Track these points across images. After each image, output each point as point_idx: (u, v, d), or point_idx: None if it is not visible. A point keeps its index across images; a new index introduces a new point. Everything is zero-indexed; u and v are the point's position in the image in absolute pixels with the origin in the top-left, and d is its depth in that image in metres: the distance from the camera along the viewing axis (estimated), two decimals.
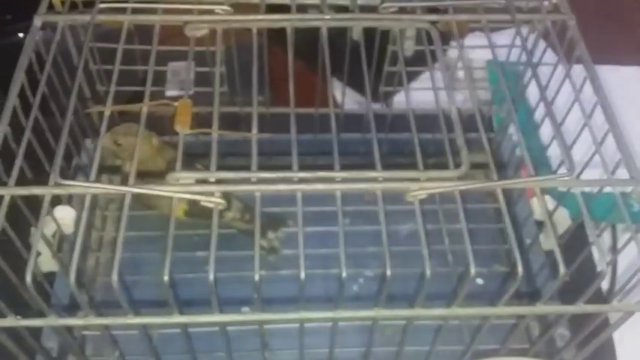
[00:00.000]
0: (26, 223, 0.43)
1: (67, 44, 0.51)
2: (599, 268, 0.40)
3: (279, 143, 0.46)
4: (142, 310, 0.41)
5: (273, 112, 0.60)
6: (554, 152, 0.51)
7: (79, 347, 0.50)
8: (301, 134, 0.43)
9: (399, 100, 0.62)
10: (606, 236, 0.60)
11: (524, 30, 0.52)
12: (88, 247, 0.58)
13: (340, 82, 0.63)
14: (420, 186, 0.40)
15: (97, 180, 0.41)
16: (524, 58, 0.52)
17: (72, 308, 0.51)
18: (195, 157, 0.51)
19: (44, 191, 0.39)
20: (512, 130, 0.62)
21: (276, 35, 0.52)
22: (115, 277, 0.37)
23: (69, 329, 0.47)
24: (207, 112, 0.45)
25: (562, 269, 0.39)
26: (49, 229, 0.48)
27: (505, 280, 0.57)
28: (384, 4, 0.50)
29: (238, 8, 0.49)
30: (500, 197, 0.41)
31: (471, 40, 0.59)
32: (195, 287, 0.51)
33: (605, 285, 0.57)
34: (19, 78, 0.44)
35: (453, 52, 0.64)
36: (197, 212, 0.50)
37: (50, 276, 0.51)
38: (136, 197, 0.54)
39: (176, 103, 0.43)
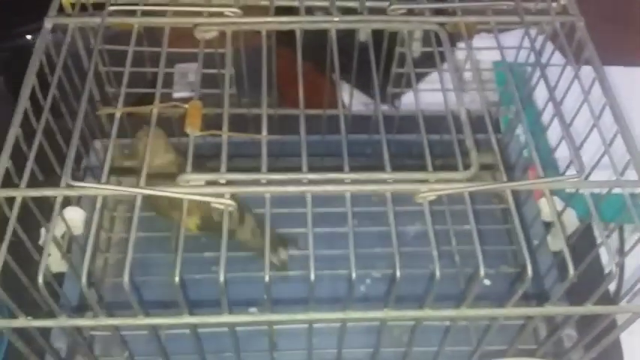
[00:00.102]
0: (34, 224, 0.44)
1: (77, 46, 0.52)
2: (607, 270, 0.40)
3: (287, 144, 0.47)
4: (151, 311, 0.41)
5: (280, 114, 0.60)
6: (562, 154, 0.51)
7: (88, 347, 0.51)
8: (309, 135, 0.43)
9: (406, 101, 0.62)
10: (613, 238, 0.60)
11: (533, 31, 0.52)
12: (96, 248, 0.58)
13: (347, 84, 0.63)
14: (430, 187, 0.40)
15: (107, 181, 0.41)
16: (531, 59, 0.52)
17: (81, 309, 0.51)
18: (202, 159, 0.51)
19: (56, 193, 0.40)
20: (519, 131, 0.62)
21: (283, 37, 0.52)
22: (126, 277, 0.37)
23: (78, 330, 0.47)
24: (214, 114, 0.45)
25: (571, 270, 0.39)
26: (58, 230, 0.49)
27: (512, 281, 0.57)
28: (393, 7, 0.50)
29: (247, 10, 0.49)
30: (510, 198, 0.41)
31: (477, 41, 0.60)
32: (203, 288, 0.51)
33: (612, 286, 0.57)
34: (31, 80, 0.44)
35: (459, 54, 0.64)
36: (210, 226, 0.50)
37: (58, 277, 0.51)
38: (154, 207, 0.54)
39: (186, 105, 0.43)
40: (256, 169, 0.41)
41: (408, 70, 0.51)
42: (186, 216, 0.39)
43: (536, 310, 0.43)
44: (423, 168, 0.42)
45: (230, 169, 0.41)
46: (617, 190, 0.43)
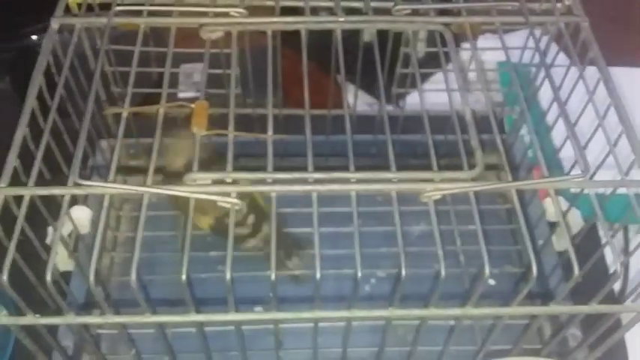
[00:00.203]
0: (41, 223, 0.44)
1: (83, 46, 0.52)
2: (612, 269, 0.40)
3: (292, 144, 0.47)
4: (157, 309, 0.41)
5: (285, 114, 0.61)
6: (566, 154, 0.51)
7: (95, 345, 0.51)
8: (313, 136, 0.44)
9: (411, 101, 0.62)
10: (618, 237, 0.60)
11: (537, 32, 0.52)
12: (103, 247, 0.58)
13: (352, 84, 0.63)
14: (435, 187, 0.40)
15: (113, 180, 0.42)
16: (536, 59, 0.52)
17: (87, 307, 0.51)
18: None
19: (64, 191, 0.40)
20: (524, 131, 0.62)
21: (287, 37, 0.53)
22: (133, 276, 0.37)
23: (85, 327, 0.48)
24: (219, 114, 0.45)
25: (576, 270, 0.39)
26: (65, 228, 0.49)
27: (516, 281, 0.57)
28: (397, 7, 0.50)
29: (252, 11, 0.49)
30: (515, 198, 0.41)
31: (482, 41, 0.60)
32: (208, 287, 0.51)
33: (616, 286, 0.57)
34: (38, 80, 0.45)
35: (464, 54, 0.64)
36: (222, 228, 0.50)
37: (65, 275, 0.52)
38: (178, 206, 0.54)
39: (192, 105, 0.44)
40: (262, 169, 0.41)
41: (413, 71, 0.51)
42: (200, 214, 0.39)
43: (540, 309, 0.43)
44: (427, 168, 0.42)
45: (236, 169, 0.41)
46: (621, 190, 0.43)
